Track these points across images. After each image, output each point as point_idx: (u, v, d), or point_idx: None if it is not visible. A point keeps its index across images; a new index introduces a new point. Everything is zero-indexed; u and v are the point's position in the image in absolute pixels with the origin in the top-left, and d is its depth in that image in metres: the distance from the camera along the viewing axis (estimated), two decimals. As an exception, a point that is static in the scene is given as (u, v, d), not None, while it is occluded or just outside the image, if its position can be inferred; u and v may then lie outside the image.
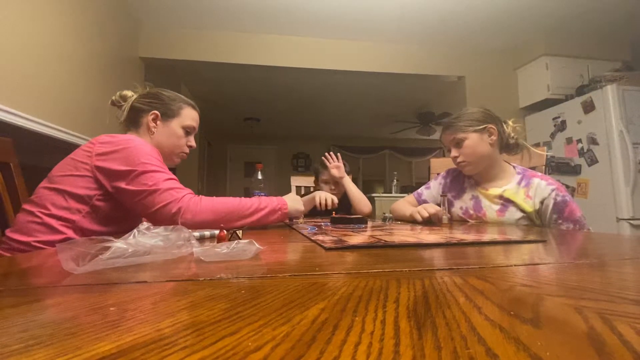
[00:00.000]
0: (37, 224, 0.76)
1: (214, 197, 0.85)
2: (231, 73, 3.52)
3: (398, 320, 0.20)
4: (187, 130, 1.00)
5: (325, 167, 1.62)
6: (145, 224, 0.48)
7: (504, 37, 2.99)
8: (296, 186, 2.01)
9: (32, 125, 1.47)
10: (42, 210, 0.76)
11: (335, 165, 1.59)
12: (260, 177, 1.34)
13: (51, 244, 0.74)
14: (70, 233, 0.77)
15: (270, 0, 2.45)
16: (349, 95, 4.37)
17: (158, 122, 0.96)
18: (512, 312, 0.21)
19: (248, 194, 1.37)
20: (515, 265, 0.38)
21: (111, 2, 2.25)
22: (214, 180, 6.06)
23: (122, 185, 0.78)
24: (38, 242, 0.75)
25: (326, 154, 1.62)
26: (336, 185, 1.65)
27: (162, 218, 0.77)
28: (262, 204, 0.89)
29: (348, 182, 1.62)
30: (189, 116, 1.00)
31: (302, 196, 1.78)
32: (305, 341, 0.17)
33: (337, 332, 0.18)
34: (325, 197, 1.26)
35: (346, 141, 6.73)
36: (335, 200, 1.27)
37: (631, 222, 2.26)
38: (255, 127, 5.73)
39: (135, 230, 0.46)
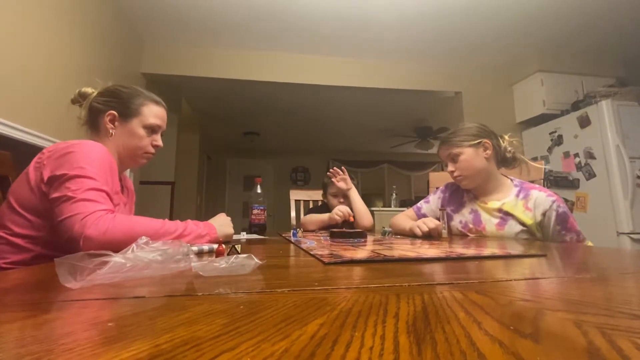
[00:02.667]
0: (3, 244, 0.71)
1: (135, 216, 0.76)
2: (231, 88, 3.57)
3: (397, 336, 0.20)
4: (152, 129, 0.91)
5: (332, 181, 1.63)
6: (144, 238, 0.48)
7: (499, 54, 3.06)
8: (296, 200, 2.01)
9: (32, 139, 1.48)
10: (5, 231, 0.72)
11: (341, 178, 1.61)
12: (259, 191, 1.35)
13: (22, 263, 0.71)
14: (38, 249, 0.72)
15: (270, 18, 2.52)
16: (347, 110, 4.42)
17: (116, 123, 0.87)
18: (512, 327, 0.21)
19: (247, 207, 1.37)
20: (515, 280, 0.38)
21: (115, 19, 2.30)
22: (213, 194, 6.06)
23: (50, 193, 0.69)
24: (8, 263, 0.70)
25: (330, 170, 1.63)
26: (345, 198, 1.66)
27: (64, 230, 0.66)
28: (187, 229, 0.77)
29: (354, 194, 1.63)
30: (152, 114, 0.90)
31: (310, 209, 1.81)
32: (304, 357, 0.17)
33: (336, 348, 0.18)
34: (341, 210, 1.38)
35: (345, 155, 6.76)
36: (349, 210, 1.40)
37: (631, 236, 2.25)
38: (254, 141, 5.77)
39: (133, 245, 0.46)
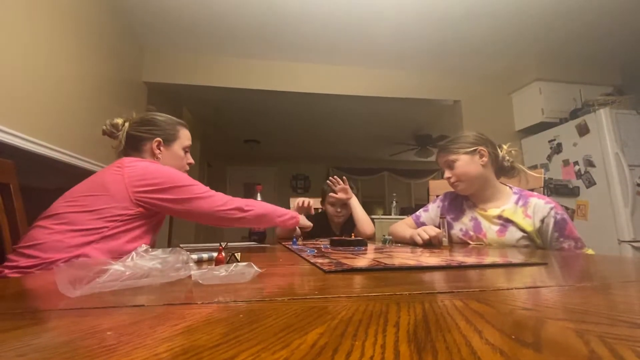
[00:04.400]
0: (60, 241, 0.76)
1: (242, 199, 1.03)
2: (232, 97, 3.60)
3: (398, 345, 0.20)
4: (186, 150, 1.07)
5: (332, 190, 1.62)
6: (143, 247, 0.48)
7: (497, 63, 3.09)
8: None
9: (34, 147, 1.48)
10: (72, 227, 0.78)
11: (342, 188, 1.60)
12: (259, 198, 1.35)
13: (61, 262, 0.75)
14: (89, 250, 0.78)
15: (270, 27, 2.55)
16: (347, 118, 4.44)
17: (162, 148, 1.01)
18: (513, 336, 0.21)
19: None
20: (516, 289, 0.38)
21: (117, 28, 2.33)
22: (213, 201, 6.04)
23: (170, 196, 0.88)
24: (57, 259, 0.75)
25: (331, 178, 1.62)
26: (343, 207, 1.65)
27: (227, 210, 0.94)
28: (283, 210, 1.22)
29: (355, 202, 1.62)
30: (186, 136, 1.08)
31: (307, 218, 1.81)
32: (304, 366, 0.17)
33: (336, 357, 0.18)
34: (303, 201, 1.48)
35: (345, 163, 6.77)
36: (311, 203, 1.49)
37: (633, 244, 2.24)
38: (254, 148, 5.78)
39: (133, 253, 0.46)
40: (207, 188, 0.96)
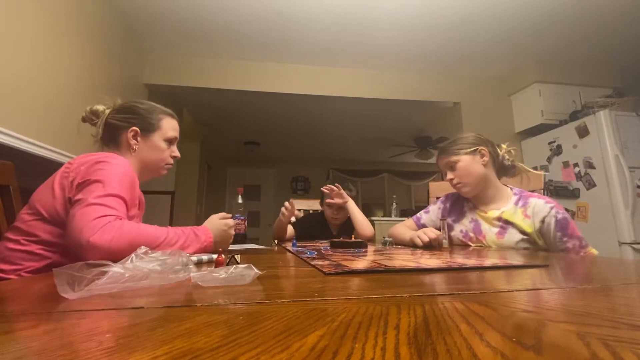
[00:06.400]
0: (21, 251, 0.72)
1: (142, 225, 0.74)
2: (232, 99, 3.61)
3: (398, 347, 0.19)
4: (170, 141, 0.96)
5: (328, 195, 1.65)
6: (143, 248, 0.48)
7: (497, 65, 3.10)
8: (296, 209, 2.00)
9: (34, 149, 1.48)
10: (27, 238, 0.73)
11: (337, 194, 1.63)
12: (240, 201, 1.36)
13: (38, 271, 0.71)
14: (56, 257, 0.73)
15: (271, 30, 2.56)
16: (347, 120, 4.45)
17: (139, 139, 0.91)
18: (514, 339, 0.21)
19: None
20: (517, 291, 0.38)
21: (118, 31, 2.34)
22: (214, 203, 6.04)
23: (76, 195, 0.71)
24: (24, 270, 0.71)
25: (325, 187, 1.65)
26: (339, 210, 1.68)
27: (70, 233, 0.65)
28: (187, 241, 0.78)
29: (352, 205, 1.64)
30: (170, 127, 0.96)
31: (304, 217, 1.83)
32: (304, 369, 0.17)
33: (336, 360, 0.18)
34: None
35: (345, 164, 6.77)
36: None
37: (634, 246, 2.24)
38: (255, 150, 5.79)
39: (133, 255, 0.45)
40: (112, 193, 0.71)
